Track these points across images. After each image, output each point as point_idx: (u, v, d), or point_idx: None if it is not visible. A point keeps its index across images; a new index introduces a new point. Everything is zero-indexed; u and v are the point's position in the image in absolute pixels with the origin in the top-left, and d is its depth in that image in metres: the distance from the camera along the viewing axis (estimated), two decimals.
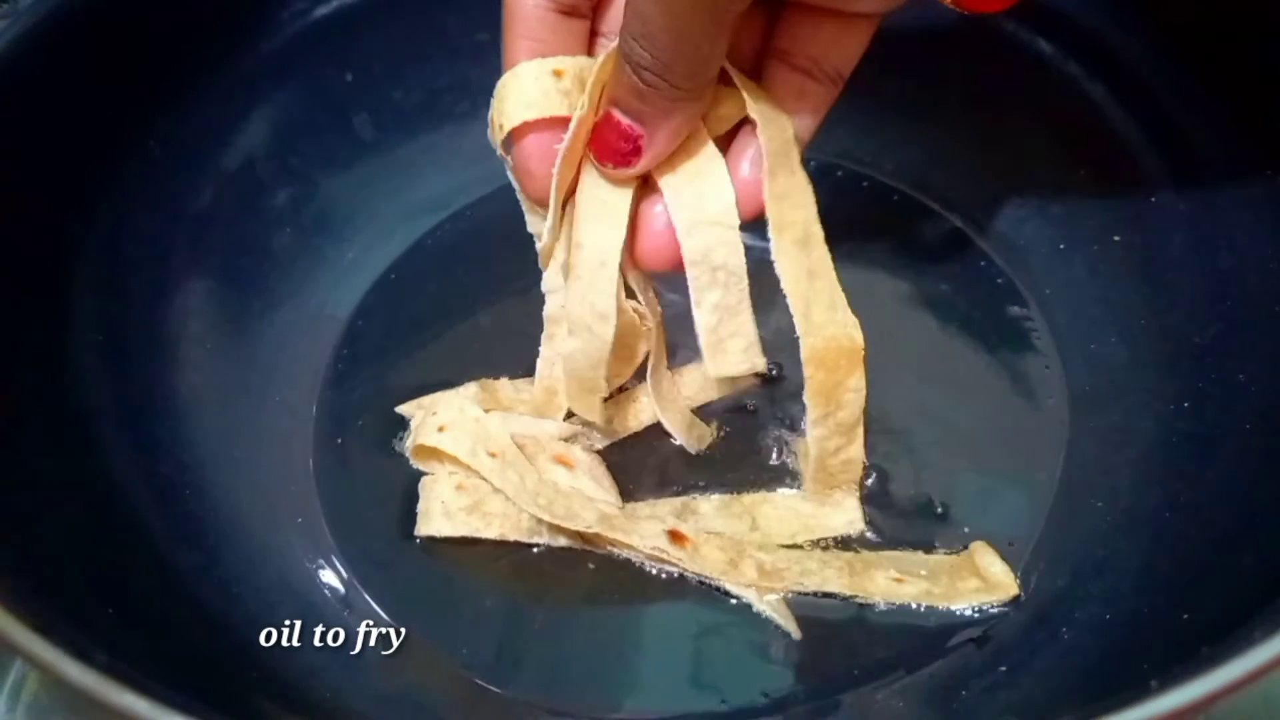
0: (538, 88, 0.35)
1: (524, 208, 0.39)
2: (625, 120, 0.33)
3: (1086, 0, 0.47)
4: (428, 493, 0.43)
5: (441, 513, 0.42)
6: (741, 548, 0.41)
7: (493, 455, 0.41)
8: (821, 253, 0.37)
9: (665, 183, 0.36)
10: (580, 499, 0.41)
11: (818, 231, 0.36)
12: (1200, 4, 0.43)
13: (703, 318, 0.37)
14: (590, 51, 0.36)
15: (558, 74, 0.35)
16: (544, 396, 0.44)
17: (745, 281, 0.36)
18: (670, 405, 0.44)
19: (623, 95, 0.33)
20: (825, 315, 0.37)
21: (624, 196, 0.36)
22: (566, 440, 0.44)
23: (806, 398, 0.38)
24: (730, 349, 0.37)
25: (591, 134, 0.35)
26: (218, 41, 0.47)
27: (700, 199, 0.35)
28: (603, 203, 0.36)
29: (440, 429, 0.42)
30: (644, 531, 0.40)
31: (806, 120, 0.36)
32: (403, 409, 0.46)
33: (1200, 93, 0.44)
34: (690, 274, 0.36)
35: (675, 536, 0.40)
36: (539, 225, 0.38)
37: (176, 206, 0.46)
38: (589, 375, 0.39)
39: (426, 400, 0.45)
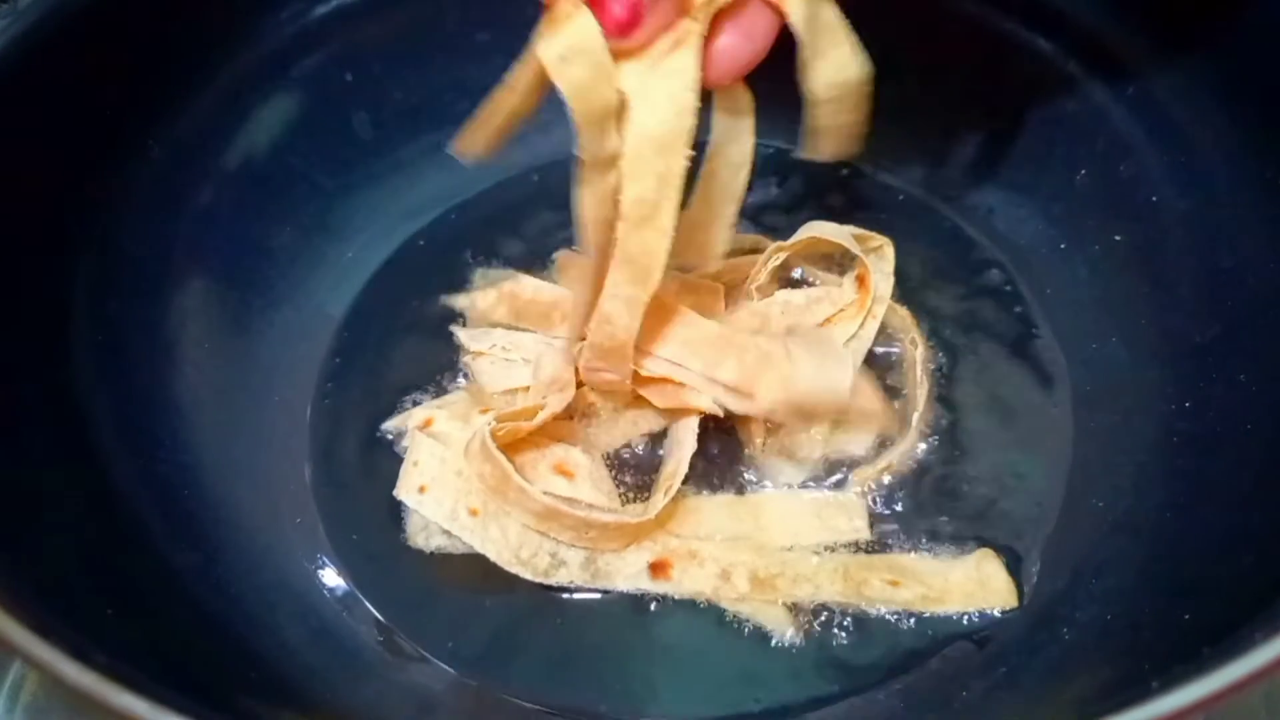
0: None
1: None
2: None
3: (1086, 0, 0.47)
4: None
5: (442, 530, 0.42)
6: (736, 552, 0.41)
7: (473, 513, 0.41)
8: None
9: None
10: (565, 538, 0.41)
11: None
12: (1200, 4, 0.43)
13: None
14: None
15: None
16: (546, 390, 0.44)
17: None
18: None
19: None
20: None
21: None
22: (567, 438, 0.44)
23: None
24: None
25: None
26: (217, 41, 0.47)
27: None
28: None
29: (421, 489, 0.42)
30: (627, 570, 0.40)
31: None
32: (389, 426, 0.46)
33: (1200, 92, 0.44)
34: None
35: (657, 569, 0.40)
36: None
37: (176, 206, 0.46)
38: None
39: (414, 414, 0.45)
